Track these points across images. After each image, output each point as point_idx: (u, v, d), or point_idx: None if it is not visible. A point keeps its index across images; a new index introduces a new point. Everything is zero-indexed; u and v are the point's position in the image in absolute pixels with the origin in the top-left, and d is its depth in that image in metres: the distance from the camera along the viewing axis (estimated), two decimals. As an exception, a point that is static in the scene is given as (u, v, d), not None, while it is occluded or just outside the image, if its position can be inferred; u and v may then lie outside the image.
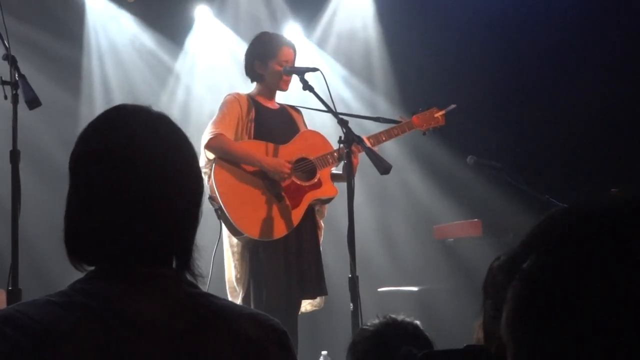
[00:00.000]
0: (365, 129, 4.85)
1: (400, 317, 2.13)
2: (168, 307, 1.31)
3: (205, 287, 3.79)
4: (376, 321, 2.11)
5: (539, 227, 0.79)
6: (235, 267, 4.18)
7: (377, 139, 4.32)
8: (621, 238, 0.73)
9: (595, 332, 0.70)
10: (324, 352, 5.09)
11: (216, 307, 1.35)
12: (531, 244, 0.78)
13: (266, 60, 4.31)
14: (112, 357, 1.25)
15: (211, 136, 4.12)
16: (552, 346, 0.72)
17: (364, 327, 2.13)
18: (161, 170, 1.35)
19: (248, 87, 4.47)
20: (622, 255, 0.72)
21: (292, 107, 4.50)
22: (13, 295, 3.22)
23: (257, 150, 4.21)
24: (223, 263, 4.24)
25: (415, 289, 5.65)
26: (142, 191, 1.33)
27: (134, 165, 1.33)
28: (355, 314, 3.71)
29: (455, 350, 0.83)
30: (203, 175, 4.16)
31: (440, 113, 4.52)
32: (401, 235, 6.54)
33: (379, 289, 5.78)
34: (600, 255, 0.72)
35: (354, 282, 3.76)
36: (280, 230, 4.14)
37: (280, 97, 4.48)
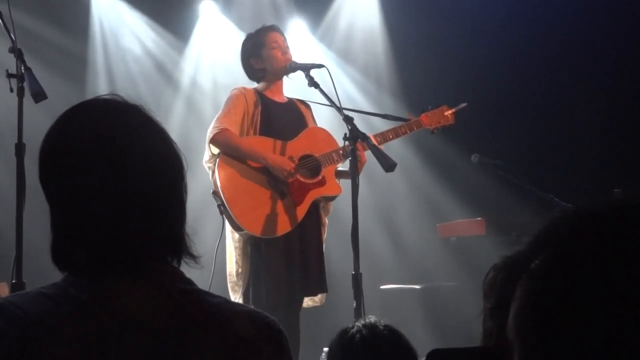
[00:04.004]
0: (373, 127, 4.84)
1: (381, 324, 2.14)
2: (158, 303, 1.30)
3: (209, 281, 3.82)
4: (355, 327, 2.12)
5: (546, 228, 0.79)
6: (237, 262, 4.17)
7: (384, 137, 4.29)
8: (629, 238, 0.73)
9: (602, 331, 0.71)
10: (326, 349, 5.09)
11: (208, 304, 1.34)
12: (538, 244, 0.79)
13: (258, 51, 4.31)
14: (98, 351, 1.24)
15: (216, 131, 4.11)
16: (558, 344, 0.72)
17: (340, 335, 2.14)
18: (135, 163, 1.33)
19: (253, 83, 4.46)
20: (629, 255, 0.72)
21: (302, 101, 4.49)
22: (17, 288, 3.22)
23: (263, 147, 4.20)
24: (225, 257, 4.24)
25: (418, 286, 5.65)
26: (120, 187, 1.31)
27: (106, 163, 1.32)
28: (358, 311, 3.71)
29: (462, 348, 0.83)
30: (207, 170, 4.17)
31: (451, 111, 4.46)
32: (405, 232, 6.54)
33: (382, 287, 5.78)
34: (608, 256, 0.73)
35: (357, 279, 3.75)
36: (282, 227, 4.13)
37: (287, 93, 4.46)
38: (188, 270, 1.39)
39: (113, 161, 1.32)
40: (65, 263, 1.34)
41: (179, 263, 1.38)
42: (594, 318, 0.71)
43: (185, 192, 1.39)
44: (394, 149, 5.07)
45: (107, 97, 1.39)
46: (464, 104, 4.47)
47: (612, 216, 0.76)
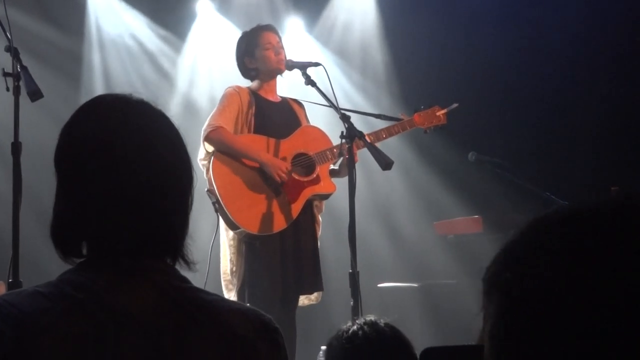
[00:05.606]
0: (371, 126, 4.85)
1: (381, 322, 2.15)
2: (154, 301, 1.30)
3: (204, 280, 3.81)
4: (354, 327, 2.13)
5: (511, 241, 0.76)
6: (231, 260, 4.17)
7: (377, 136, 4.31)
8: (598, 244, 0.70)
9: (578, 349, 0.68)
10: (324, 347, 5.09)
11: (204, 302, 1.34)
12: (505, 257, 0.75)
13: (252, 51, 4.32)
14: (95, 349, 1.24)
15: (211, 129, 4.11)
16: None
17: (341, 332, 2.15)
18: (147, 160, 1.35)
19: (247, 81, 4.46)
20: (605, 263, 0.69)
21: (295, 100, 4.49)
22: (14, 288, 3.22)
23: (258, 145, 4.20)
24: (219, 256, 4.23)
25: (415, 284, 5.65)
26: (128, 183, 1.33)
27: (118, 157, 1.33)
28: (356, 309, 3.71)
29: (456, 346, 0.82)
30: (202, 167, 4.16)
31: (443, 112, 4.50)
32: (402, 230, 6.54)
33: (379, 285, 5.78)
34: (589, 268, 0.69)
35: (354, 278, 3.75)
36: (277, 225, 4.13)
37: (283, 92, 4.47)
38: (184, 268, 1.40)
39: (127, 158, 1.33)
40: (66, 247, 1.34)
41: (174, 262, 1.38)
42: (569, 336, 0.68)
43: (191, 203, 1.41)
44: (392, 147, 5.07)
45: (117, 95, 1.42)
46: (455, 105, 4.51)
47: (603, 220, 0.72)
